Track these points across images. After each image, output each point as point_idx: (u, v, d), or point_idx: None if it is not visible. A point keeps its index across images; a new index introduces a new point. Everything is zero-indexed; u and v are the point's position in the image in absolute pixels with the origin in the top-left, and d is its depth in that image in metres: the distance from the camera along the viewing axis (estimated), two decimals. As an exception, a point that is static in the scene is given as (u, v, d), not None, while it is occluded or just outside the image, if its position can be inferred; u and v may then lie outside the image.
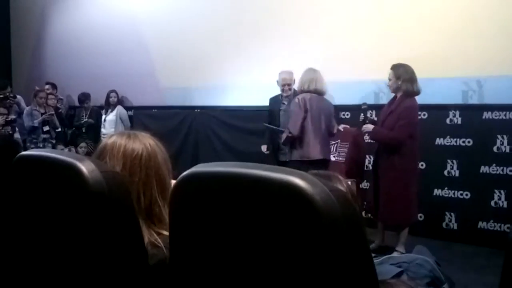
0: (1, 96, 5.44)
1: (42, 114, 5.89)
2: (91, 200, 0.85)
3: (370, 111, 4.35)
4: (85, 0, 7.02)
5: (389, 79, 3.70)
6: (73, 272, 0.92)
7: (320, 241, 0.61)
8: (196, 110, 5.99)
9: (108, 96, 6.25)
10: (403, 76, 3.60)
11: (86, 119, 6.39)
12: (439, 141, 4.42)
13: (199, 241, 0.74)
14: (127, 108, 6.44)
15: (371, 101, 4.60)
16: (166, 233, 1.03)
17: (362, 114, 3.90)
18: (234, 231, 0.69)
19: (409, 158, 3.64)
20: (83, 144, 6.10)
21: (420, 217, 4.53)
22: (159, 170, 1.12)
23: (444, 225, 4.40)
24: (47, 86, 6.57)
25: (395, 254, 3.46)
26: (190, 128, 6.03)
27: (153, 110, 6.45)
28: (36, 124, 5.80)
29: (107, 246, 0.86)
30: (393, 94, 3.79)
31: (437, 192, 4.44)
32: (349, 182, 1.21)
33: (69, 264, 0.92)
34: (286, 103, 4.30)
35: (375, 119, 4.09)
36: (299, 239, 0.62)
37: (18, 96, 6.13)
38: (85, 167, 0.86)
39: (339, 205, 0.62)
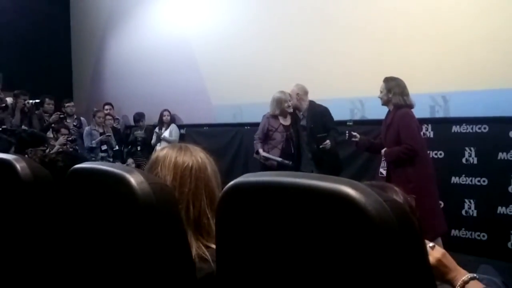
0: (62, 116, 5.77)
1: (100, 133, 6.17)
2: (140, 212, 0.85)
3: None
4: (140, 24, 7.33)
5: (381, 91, 3.70)
6: (121, 285, 0.92)
7: (375, 256, 0.57)
8: (246, 127, 6.03)
9: (161, 115, 6.46)
10: (394, 90, 3.59)
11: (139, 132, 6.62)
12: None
13: (245, 253, 0.72)
14: (179, 126, 6.60)
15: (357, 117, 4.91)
16: (214, 246, 1.02)
17: (346, 132, 3.87)
18: (282, 242, 0.66)
19: (422, 166, 3.51)
20: (130, 161, 6.35)
21: (483, 236, 4.27)
22: (209, 182, 1.13)
23: (509, 245, 4.11)
24: (106, 107, 6.89)
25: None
26: (240, 145, 6.06)
27: (204, 127, 6.57)
28: (94, 145, 6.08)
29: (155, 258, 0.86)
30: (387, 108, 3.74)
31: (500, 210, 4.16)
32: (408, 198, 1.14)
33: (117, 276, 0.93)
34: None
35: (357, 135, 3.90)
36: (352, 252, 0.58)
37: (81, 118, 6.52)
38: (134, 178, 0.86)
39: (395, 216, 0.58)
